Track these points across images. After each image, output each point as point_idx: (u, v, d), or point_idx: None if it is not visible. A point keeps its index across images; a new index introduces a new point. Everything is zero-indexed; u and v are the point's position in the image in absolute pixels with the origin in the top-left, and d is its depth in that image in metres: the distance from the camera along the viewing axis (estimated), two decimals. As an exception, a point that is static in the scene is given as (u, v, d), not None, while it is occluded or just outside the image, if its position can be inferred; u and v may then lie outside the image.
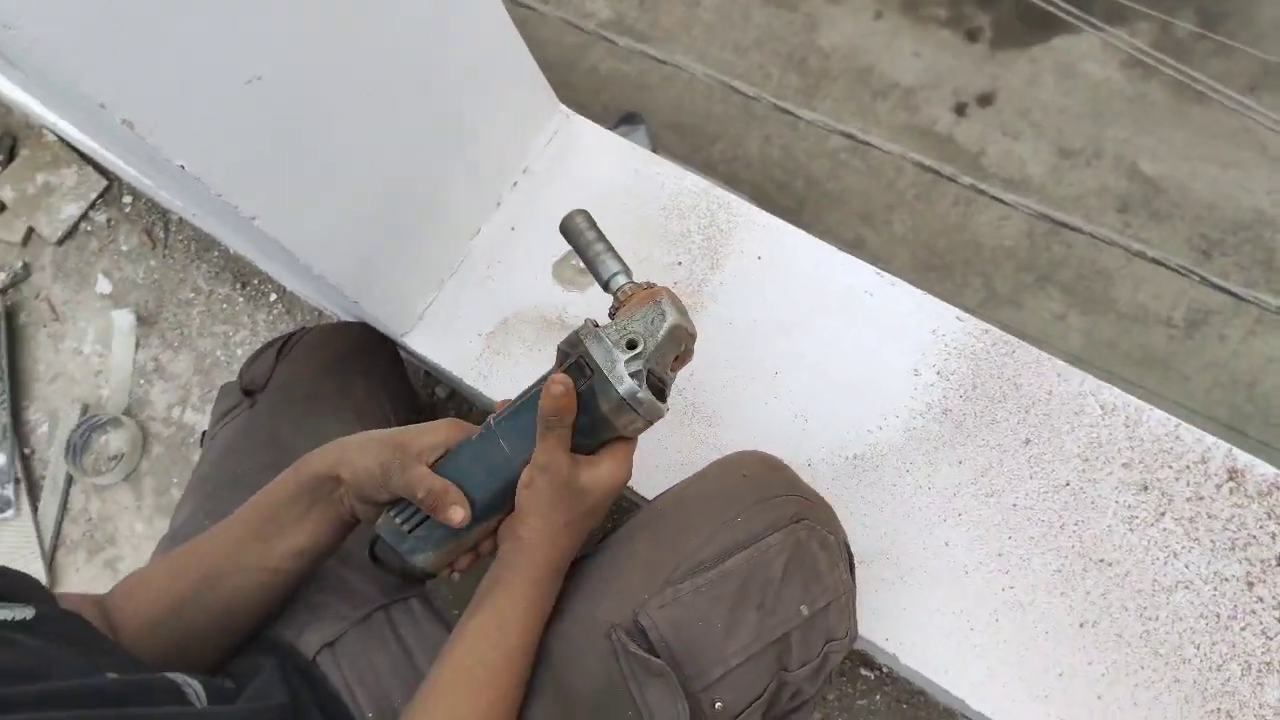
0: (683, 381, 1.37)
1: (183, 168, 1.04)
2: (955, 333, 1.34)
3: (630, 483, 1.31)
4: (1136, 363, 4.55)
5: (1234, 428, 3.99)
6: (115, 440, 1.94)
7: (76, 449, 1.92)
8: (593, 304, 1.43)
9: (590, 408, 0.91)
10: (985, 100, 4.90)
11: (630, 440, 0.97)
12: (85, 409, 1.98)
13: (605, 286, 0.97)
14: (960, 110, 5.06)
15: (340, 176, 1.22)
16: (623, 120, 4.97)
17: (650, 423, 0.93)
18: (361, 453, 0.96)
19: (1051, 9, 5.02)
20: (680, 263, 1.43)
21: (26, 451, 2.00)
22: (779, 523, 0.97)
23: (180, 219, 2.02)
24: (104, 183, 2.11)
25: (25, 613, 0.82)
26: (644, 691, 0.90)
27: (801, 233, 1.42)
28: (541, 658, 0.95)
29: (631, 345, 0.90)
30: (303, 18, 1.06)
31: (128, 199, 2.10)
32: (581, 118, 1.58)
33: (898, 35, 5.33)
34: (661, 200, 1.48)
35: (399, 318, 1.46)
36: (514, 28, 1.37)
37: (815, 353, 1.36)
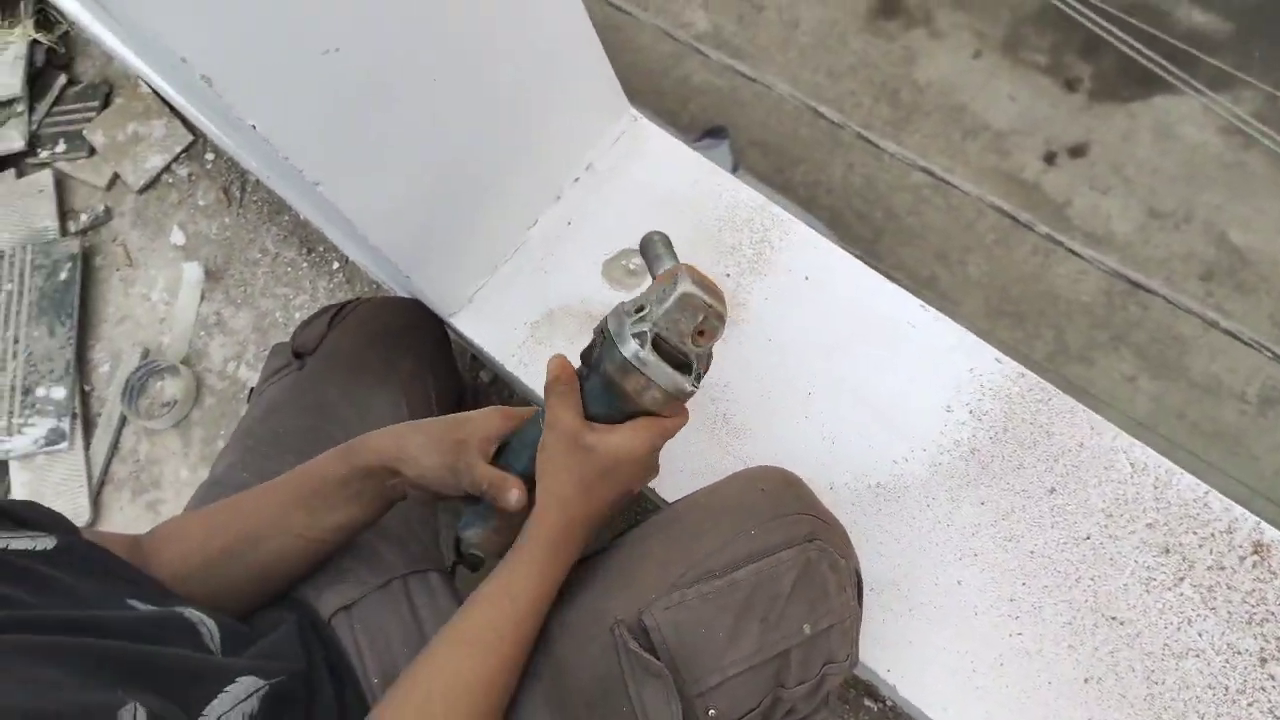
0: (715, 391, 1.38)
1: (254, 127, 1.08)
2: (992, 374, 1.33)
3: (653, 484, 1.33)
4: (1204, 435, 4.43)
5: (1298, 514, 3.87)
6: (171, 387, 2.01)
7: (134, 391, 1.99)
8: (638, 305, 1.45)
9: (601, 372, 0.94)
10: (1077, 151, 4.83)
11: (655, 416, 0.97)
12: (146, 354, 2.05)
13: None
14: (1050, 159, 4.99)
15: (404, 152, 1.25)
16: (708, 133, 4.98)
17: (669, 395, 0.94)
18: (425, 452, 1.00)
19: (1155, 68, 4.95)
20: (729, 274, 1.45)
21: (86, 388, 2.07)
22: (792, 540, 0.97)
23: (256, 181, 2.08)
24: (190, 138, 2.18)
25: (46, 542, 0.85)
26: (640, 690, 0.91)
27: (851, 258, 1.43)
28: (545, 643, 0.96)
29: (640, 310, 0.93)
30: (386, -2, 1.10)
31: (210, 156, 2.17)
32: (650, 122, 1.60)
33: (995, 76, 5.28)
34: (718, 211, 1.49)
35: (449, 298, 1.49)
36: (590, 24, 1.40)
37: (851, 378, 1.36)
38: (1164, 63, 4.92)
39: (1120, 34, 5.05)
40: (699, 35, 5.69)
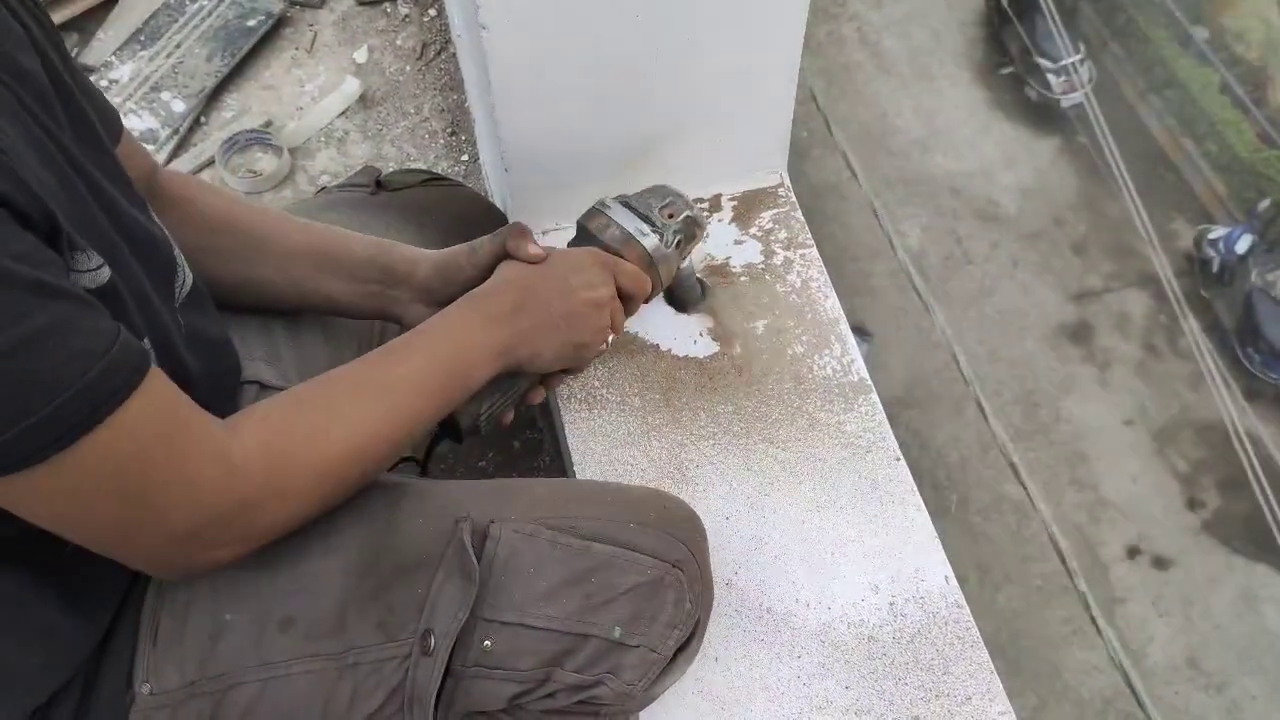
0: (686, 437, 1.34)
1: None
2: (934, 586, 1.26)
3: (576, 462, 1.30)
4: None
5: None
6: (267, 162, 2.06)
7: (235, 145, 2.05)
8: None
9: (576, 227, 1.17)
10: (1161, 563, 4.67)
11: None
12: (267, 124, 2.11)
13: None
14: (1133, 553, 4.83)
15: (578, 69, 1.30)
16: (855, 329, 4.96)
17: (626, 233, 1.12)
18: (444, 250, 1.11)
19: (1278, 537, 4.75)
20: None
21: (201, 120, 2.14)
22: (660, 554, 0.95)
23: (453, 54, 2.16)
24: (427, -13, 2.30)
25: None
26: (445, 582, 0.89)
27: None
28: (398, 499, 0.95)
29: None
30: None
31: (433, 12, 2.26)
32: (796, 203, 1.58)
33: (1131, 452, 5.18)
34: (800, 321, 1.47)
35: (524, 215, 1.49)
36: (795, 69, 1.41)
37: (814, 506, 1.31)
38: (1292, 544, 4.74)
39: (1270, 492, 4.90)
40: (907, 247, 5.74)
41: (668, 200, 1.16)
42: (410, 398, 0.91)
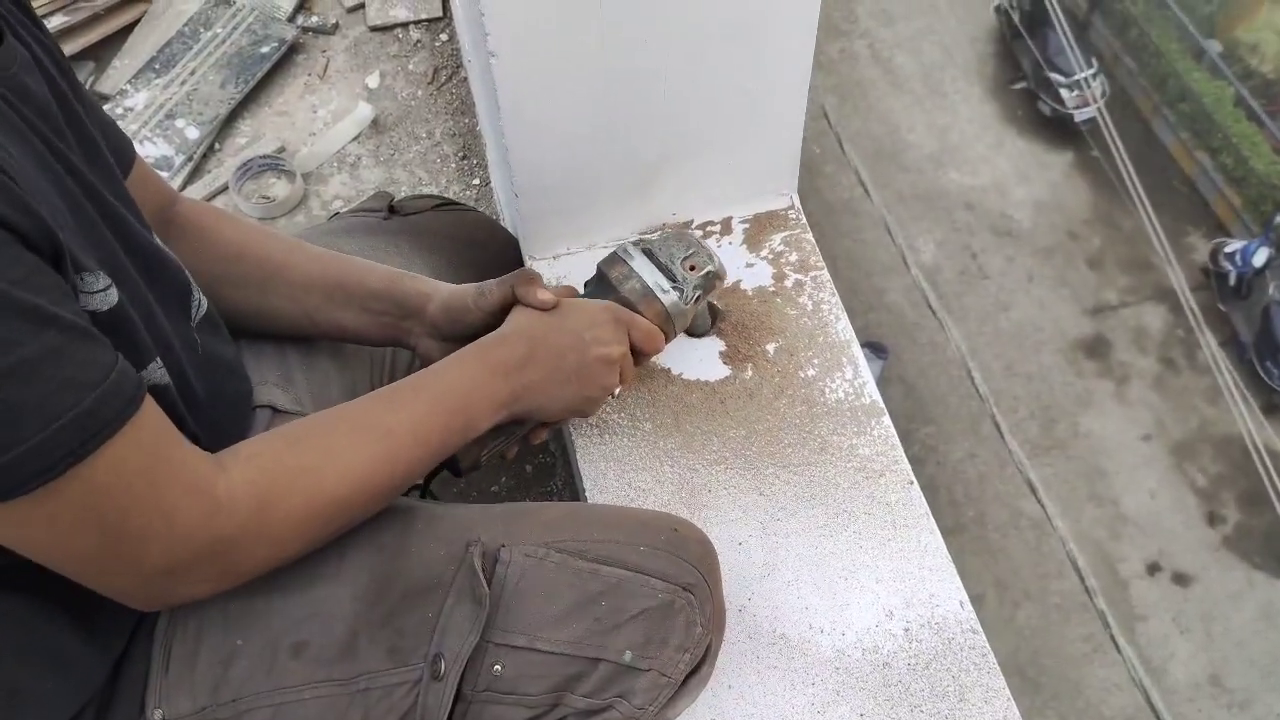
0: (696, 460, 1.34)
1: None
2: (949, 612, 1.25)
3: (587, 487, 1.29)
4: None
5: None
6: (280, 187, 2.07)
7: (249, 171, 2.06)
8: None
9: (595, 273, 1.14)
10: (1181, 579, 4.63)
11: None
12: (280, 150, 2.12)
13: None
14: (1153, 570, 4.79)
15: (586, 93, 1.30)
16: (870, 345, 4.95)
17: (646, 288, 1.10)
18: (456, 287, 1.09)
19: (1302, 551, 4.69)
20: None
21: (216, 146, 2.15)
22: (670, 578, 0.96)
23: (464, 79, 2.17)
24: (440, 14, 2.30)
25: None
26: (455, 606, 0.90)
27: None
28: (408, 522, 0.95)
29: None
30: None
31: (444, 37, 2.27)
32: (807, 225, 1.58)
33: (1150, 467, 5.14)
34: (807, 341, 1.47)
35: (536, 240, 1.51)
36: (804, 102, 1.41)
37: (820, 535, 1.30)
38: (1310, 549, 4.69)
39: (1289, 502, 4.85)
40: (921, 263, 5.72)
41: (691, 251, 1.13)
42: (409, 444, 0.89)
